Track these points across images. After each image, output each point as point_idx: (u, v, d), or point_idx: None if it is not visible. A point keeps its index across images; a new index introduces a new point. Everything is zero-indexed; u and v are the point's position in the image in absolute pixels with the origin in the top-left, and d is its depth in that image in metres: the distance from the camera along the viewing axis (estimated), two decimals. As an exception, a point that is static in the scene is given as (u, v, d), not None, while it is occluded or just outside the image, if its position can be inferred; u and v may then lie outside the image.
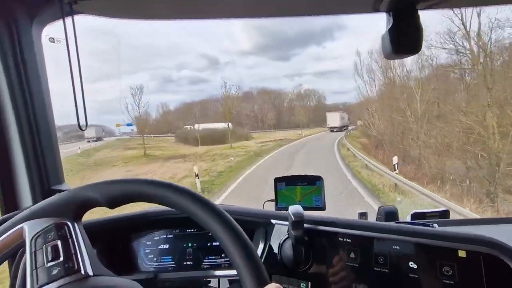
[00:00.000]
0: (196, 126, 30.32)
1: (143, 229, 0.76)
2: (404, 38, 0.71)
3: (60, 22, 0.71)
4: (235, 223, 0.43)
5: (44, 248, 0.38)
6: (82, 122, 0.74)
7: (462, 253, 0.52)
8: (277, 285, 0.39)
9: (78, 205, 0.43)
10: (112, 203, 0.44)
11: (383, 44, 0.75)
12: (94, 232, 0.71)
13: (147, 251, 0.75)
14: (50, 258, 0.37)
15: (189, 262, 0.73)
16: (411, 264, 0.55)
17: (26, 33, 0.71)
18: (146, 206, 0.63)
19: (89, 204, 0.44)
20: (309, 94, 72.79)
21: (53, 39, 0.76)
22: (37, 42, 0.73)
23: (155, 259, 0.74)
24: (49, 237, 0.39)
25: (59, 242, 0.39)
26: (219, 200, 6.84)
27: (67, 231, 0.40)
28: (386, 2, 0.72)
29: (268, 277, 0.41)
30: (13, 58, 0.69)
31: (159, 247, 0.75)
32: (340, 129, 38.30)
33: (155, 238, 0.76)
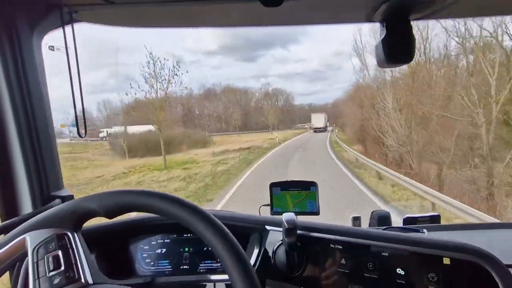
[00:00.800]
0: (131, 128, 20.22)
1: (140, 234, 0.78)
2: (397, 48, 0.74)
3: (60, 30, 0.73)
4: (227, 231, 0.45)
5: (45, 258, 0.39)
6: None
7: (446, 261, 0.54)
8: None
9: (78, 216, 0.45)
10: (110, 214, 0.46)
11: (377, 53, 0.77)
12: (92, 237, 0.72)
13: (144, 255, 0.77)
14: (51, 268, 0.39)
15: (185, 266, 0.75)
16: (399, 271, 0.58)
17: (27, 41, 0.72)
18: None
19: (89, 214, 0.46)
20: (277, 93, 68.42)
21: (53, 47, 0.77)
22: (37, 50, 0.75)
23: (152, 263, 0.76)
24: (51, 247, 0.40)
25: (60, 252, 0.40)
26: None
27: (67, 241, 0.42)
28: (380, 12, 0.74)
29: (260, 284, 0.42)
30: (13, 66, 0.70)
31: (156, 251, 0.77)
32: (323, 129, 38.99)
33: (152, 243, 0.78)
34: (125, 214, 0.77)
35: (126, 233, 0.77)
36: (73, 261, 0.40)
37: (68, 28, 0.74)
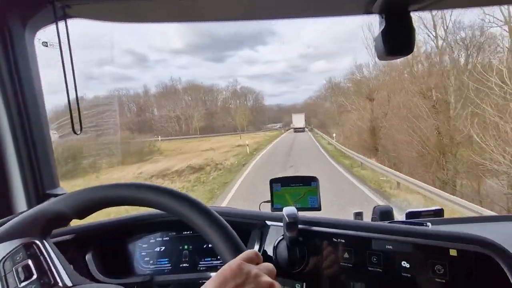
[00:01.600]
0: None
1: (139, 232, 0.77)
2: (397, 40, 0.72)
3: (54, 26, 0.71)
4: (202, 204, 0.44)
5: (14, 269, 0.38)
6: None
7: (453, 252, 0.53)
8: (255, 251, 0.39)
9: (45, 222, 0.43)
10: (81, 213, 0.44)
11: (376, 45, 0.76)
12: (89, 235, 0.71)
13: (143, 253, 0.75)
14: (22, 278, 0.37)
15: (185, 264, 0.73)
16: (404, 263, 0.56)
17: (19, 37, 0.70)
18: (143, 209, 0.63)
19: (57, 218, 0.44)
20: (246, 92, 62.45)
21: (46, 43, 0.76)
22: (30, 46, 0.73)
23: (151, 261, 0.74)
24: (18, 258, 0.39)
25: (30, 261, 0.39)
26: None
27: (36, 249, 0.40)
28: (378, 4, 0.72)
29: (244, 245, 0.42)
30: (6, 62, 0.69)
31: (155, 249, 0.75)
32: (302, 129, 39.83)
33: (151, 241, 0.76)
34: (123, 213, 0.75)
35: (124, 232, 0.76)
36: (47, 268, 0.38)
37: (61, 24, 0.73)
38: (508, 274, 0.49)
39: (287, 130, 44.10)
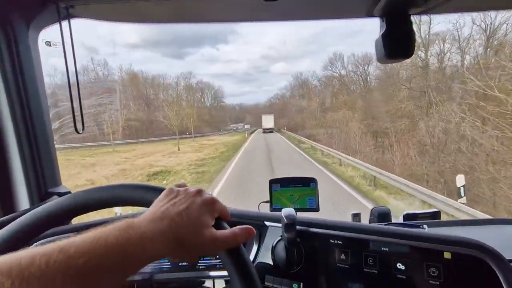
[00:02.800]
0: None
1: None
2: (397, 43, 0.73)
3: (57, 26, 0.72)
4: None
5: None
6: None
7: (447, 255, 0.54)
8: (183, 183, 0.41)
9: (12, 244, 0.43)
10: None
11: (376, 48, 0.76)
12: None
13: None
14: None
15: (184, 263, 0.74)
16: (399, 266, 0.57)
17: (23, 37, 0.71)
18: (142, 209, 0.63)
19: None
20: (203, 88, 51.37)
21: (49, 42, 0.76)
22: (33, 46, 0.74)
23: None
24: None
25: None
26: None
27: None
28: (380, 7, 0.73)
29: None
30: (10, 61, 0.69)
31: None
32: (271, 130, 39.88)
33: None
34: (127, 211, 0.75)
35: None
36: None
37: (65, 24, 0.74)
38: (500, 277, 0.50)
39: (252, 133, 40.61)
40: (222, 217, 0.41)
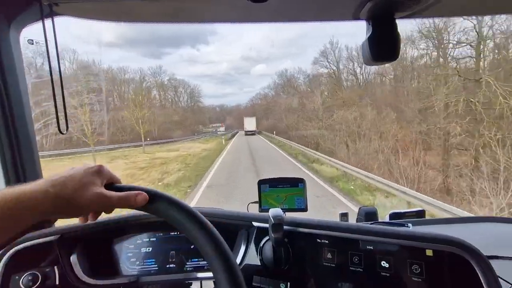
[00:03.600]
0: None
1: (125, 233, 0.76)
2: (383, 46, 0.75)
3: (40, 24, 0.70)
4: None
5: None
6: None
7: (429, 252, 0.56)
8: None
9: None
10: None
11: (363, 51, 0.78)
12: (75, 236, 0.70)
13: (129, 254, 0.75)
14: None
15: (172, 265, 0.74)
16: (383, 263, 0.59)
17: (4, 35, 0.69)
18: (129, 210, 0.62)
19: None
20: (176, 85, 43.82)
21: (32, 40, 0.74)
22: (15, 43, 0.72)
23: (137, 262, 0.74)
24: None
25: None
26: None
27: None
28: (366, 10, 0.74)
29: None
30: None
31: (142, 250, 0.75)
32: (253, 132, 39.15)
33: (137, 242, 0.76)
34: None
35: (110, 232, 0.76)
36: None
37: (48, 22, 0.72)
38: (479, 274, 0.52)
39: (234, 136, 36.51)
40: (114, 181, 0.46)
